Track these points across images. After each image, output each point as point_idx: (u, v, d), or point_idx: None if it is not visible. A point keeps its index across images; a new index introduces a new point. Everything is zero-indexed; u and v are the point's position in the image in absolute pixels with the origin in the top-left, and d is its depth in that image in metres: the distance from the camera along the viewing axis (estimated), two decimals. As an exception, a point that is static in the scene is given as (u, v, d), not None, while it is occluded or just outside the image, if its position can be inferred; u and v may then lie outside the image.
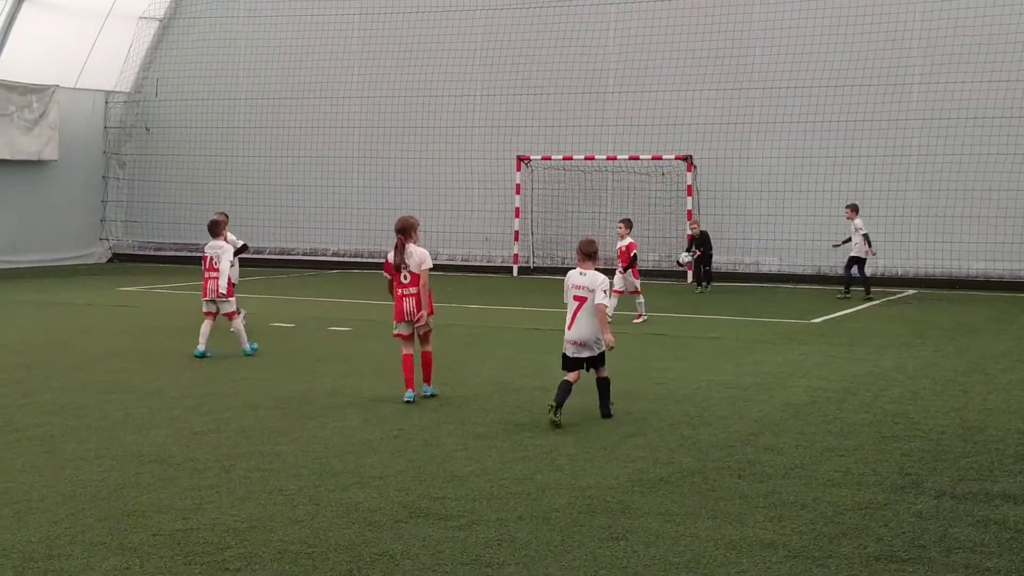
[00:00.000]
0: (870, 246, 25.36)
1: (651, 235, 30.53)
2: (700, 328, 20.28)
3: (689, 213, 29.94)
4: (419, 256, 12.92)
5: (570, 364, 11.87)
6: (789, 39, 29.73)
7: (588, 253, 12.01)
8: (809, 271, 29.70)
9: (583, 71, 31.56)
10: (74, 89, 34.28)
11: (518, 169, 31.71)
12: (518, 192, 31.68)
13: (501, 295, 26.22)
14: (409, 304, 12.91)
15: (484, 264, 32.59)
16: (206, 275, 16.68)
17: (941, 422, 11.90)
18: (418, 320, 12.89)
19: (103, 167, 36.13)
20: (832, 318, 21.85)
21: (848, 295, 25.26)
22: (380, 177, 33.60)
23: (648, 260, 31.00)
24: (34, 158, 33.22)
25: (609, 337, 11.79)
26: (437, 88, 32.93)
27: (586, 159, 31.12)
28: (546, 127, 31.78)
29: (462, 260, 32.64)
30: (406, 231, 12.95)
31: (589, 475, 9.64)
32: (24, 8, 31.50)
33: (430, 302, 12.99)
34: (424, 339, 13.10)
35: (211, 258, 16.68)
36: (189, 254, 34.99)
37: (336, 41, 34.02)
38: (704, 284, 27.55)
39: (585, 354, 11.84)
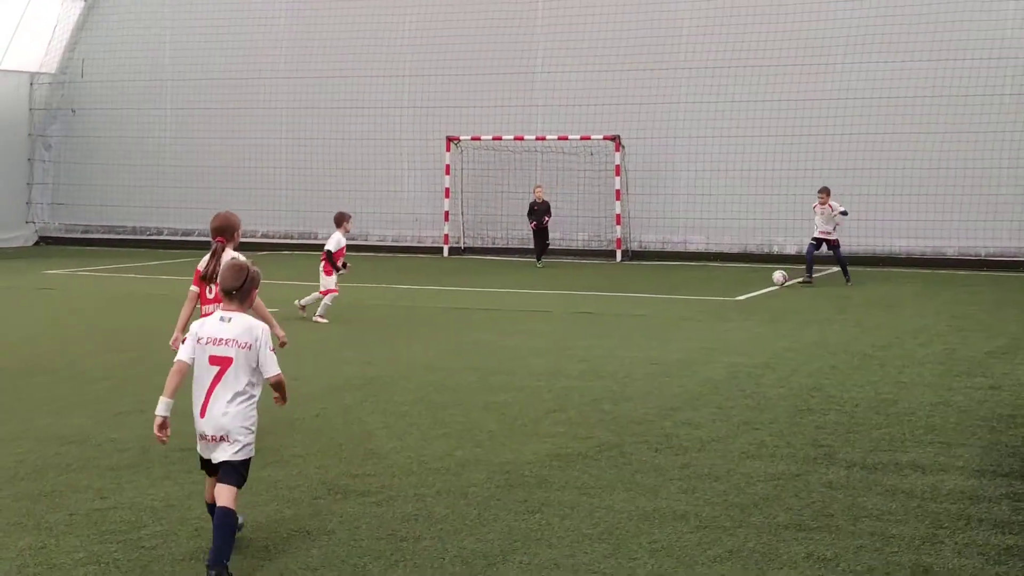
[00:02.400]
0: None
1: (580, 215, 30.73)
2: (626, 306, 20.43)
3: (618, 193, 30.15)
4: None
5: (206, 466, 7.24)
6: (713, 19, 29.96)
7: (231, 288, 7.06)
8: (736, 249, 29.97)
9: (512, 51, 31.59)
10: (-2, 71, 33.86)
11: (447, 149, 31.72)
12: (448, 172, 31.70)
13: (430, 275, 26.23)
14: None
15: (415, 245, 32.58)
16: None
17: (856, 395, 12.11)
18: (281, 340, 9.32)
19: (28, 149, 35.70)
20: (756, 295, 22.10)
21: (849, 280, 24.25)
22: (309, 158, 33.46)
23: (578, 239, 31.26)
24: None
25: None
26: (366, 68, 32.81)
27: (515, 139, 31.17)
28: (475, 108, 31.78)
29: (392, 240, 32.63)
30: (225, 232, 9.71)
31: (508, 451, 9.72)
32: (-55, -12, 31.06)
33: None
34: None
35: None
36: (117, 236, 34.74)
37: (263, 21, 33.81)
38: (537, 260, 28.70)
39: (223, 454, 6.96)
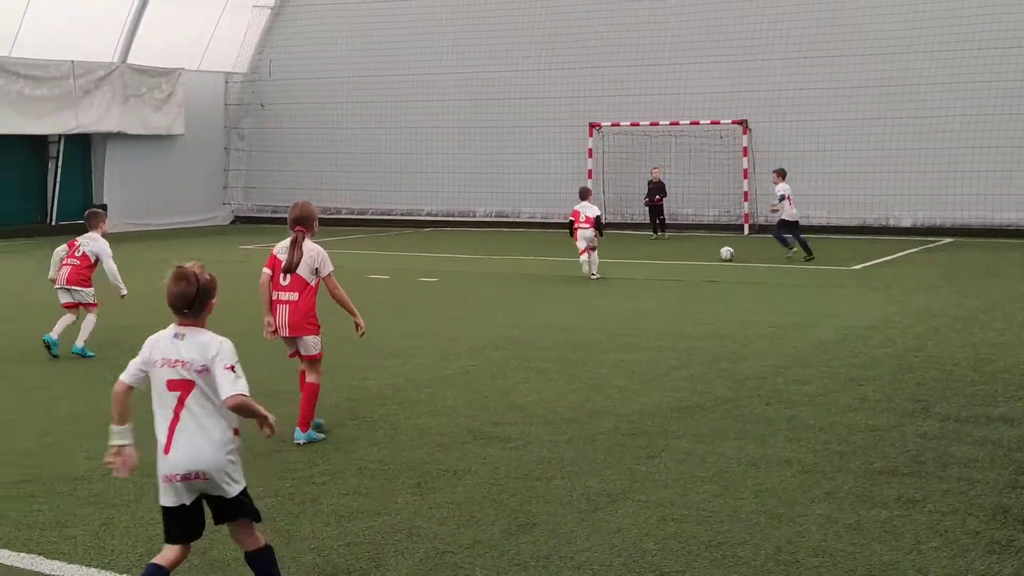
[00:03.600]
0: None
1: (710, 192, 30.57)
2: (748, 275, 20.32)
3: (745, 172, 29.90)
4: (316, 255, 8.72)
5: (177, 524, 5.37)
6: (829, 9, 29.44)
7: (181, 307, 5.38)
8: (854, 223, 29.45)
9: (649, 45, 31.44)
10: (198, 71, 34.90)
11: (590, 135, 31.78)
12: (590, 156, 31.76)
13: (572, 248, 26.31)
14: (282, 314, 8.75)
15: (559, 221, 32.70)
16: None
17: (956, 355, 11.94)
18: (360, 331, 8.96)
19: (225, 140, 36.81)
20: (870, 265, 21.75)
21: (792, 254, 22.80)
22: (469, 145, 33.80)
23: (708, 215, 31.10)
24: (164, 132, 33.97)
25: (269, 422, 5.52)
26: (520, 63, 33.00)
27: (651, 125, 31.08)
28: (615, 96, 31.73)
29: (541, 217, 32.83)
30: (305, 222, 8.81)
31: (634, 403, 9.87)
32: (152, 1, 32.09)
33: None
34: (309, 366, 8.85)
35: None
36: (301, 216, 35.57)
37: (429, 24, 34.23)
38: (660, 232, 28.92)
39: (214, 490, 5.33)
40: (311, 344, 8.78)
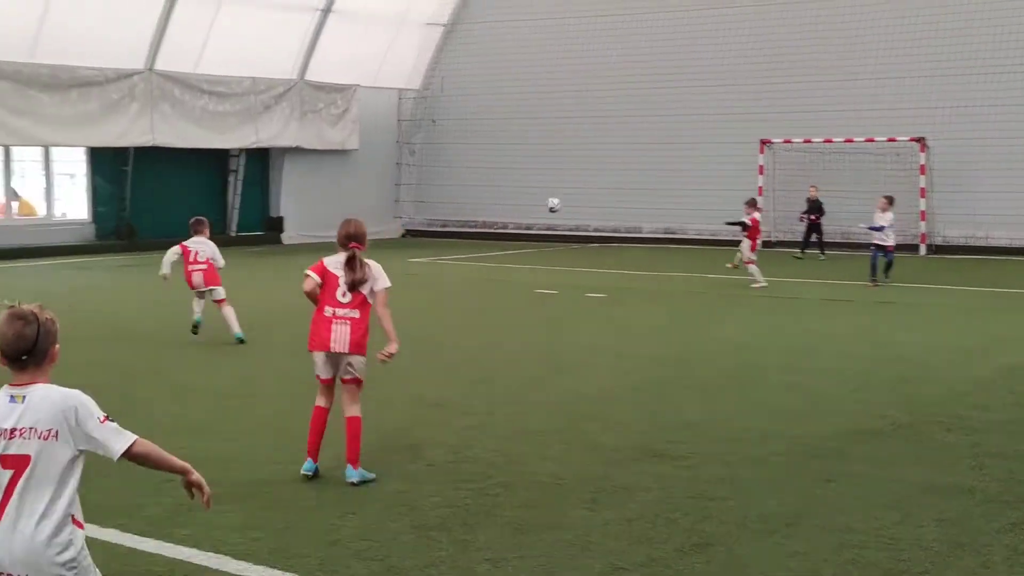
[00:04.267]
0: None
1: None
2: (927, 296, 19.78)
3: (922, 191, 29.12)
4: (377, 271, 8.41)
5: None
6: (1011, 23, 28.48)
7: (18, 354, 4.22)
8: (1039, 244, 28.42)
9: (823, 61, 30.94)
10: (372, 88, 35.72)
11: (761, 152, 31.40)
12: (761, 172, 31.37)
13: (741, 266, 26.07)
14: (342, 331, 8.17)
15: (729, 239, 32.38)
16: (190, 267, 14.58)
17: None
18: (387, 355, 8.24)
19: (397, 155, 37.57)
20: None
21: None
22: (636, 160, 33.72)
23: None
24: (339, 147, 34.87)
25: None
26: (690, 79, 32.84)
27: (825, 142, 30.54)
28: (787, 113, 31.28)
29: (709, 235, 32.54)
30: (361, 238, 8.43)
31: (808, 425, 9.72)
32: (329, 20, 33.02)
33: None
34: (352, 394, 8.25)
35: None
36: (469, 229, 36.03)
37: (597, 40, 34.34)
38: (817, 250, 28.45)
39: None
40: (361, 365, 8.24)
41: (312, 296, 8.28)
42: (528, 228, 35.06)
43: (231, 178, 33.38)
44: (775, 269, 22.99)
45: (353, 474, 8.01)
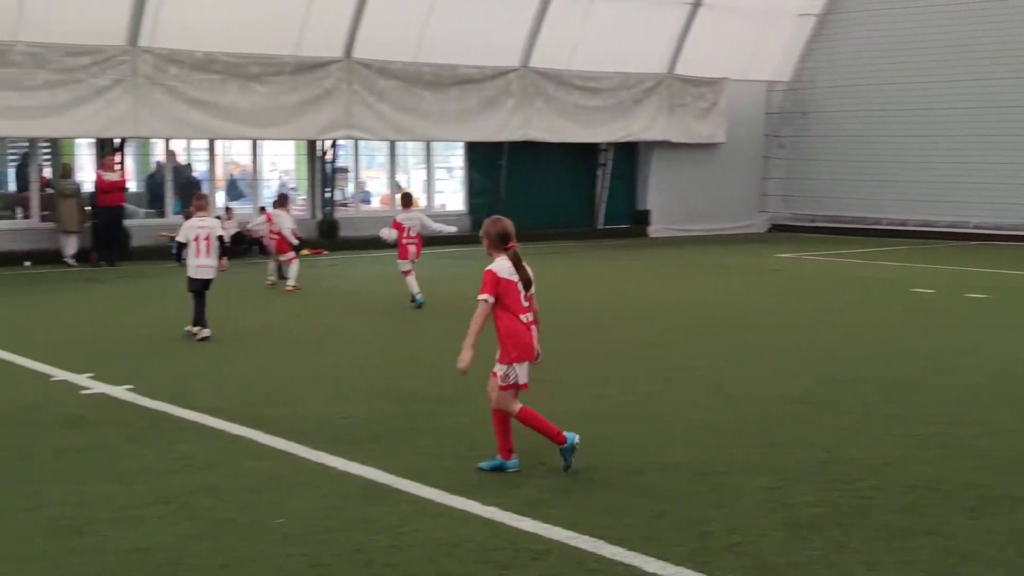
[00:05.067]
0: None
1: None
2: None
3: None
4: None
5: None
6: None
7: None
8: None
9: None
10: (740, 81, 35.43)
11: None
12: None
13: None
14: (534, 335, 8.07)
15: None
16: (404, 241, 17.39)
17: None
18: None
19: (763, 148, 37.09)
20: None
21: None
22: (1005, 155, 31.73)
23: None
24: (706, 141, 34.85)
25: None
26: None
27: None
28: None
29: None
30: (514, 237, 8.14)
31: None
32: (700, 12, 33.02)
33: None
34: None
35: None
36: (838, 225, 35.06)
37: (977, 26, 32.51)
38: None
39: None
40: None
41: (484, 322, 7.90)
42: (901, 224, 33.72)
43: (599, 172, 34.04)
44: None
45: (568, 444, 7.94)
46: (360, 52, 27.69)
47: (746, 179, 36.50)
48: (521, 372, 7.94)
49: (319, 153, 29.09)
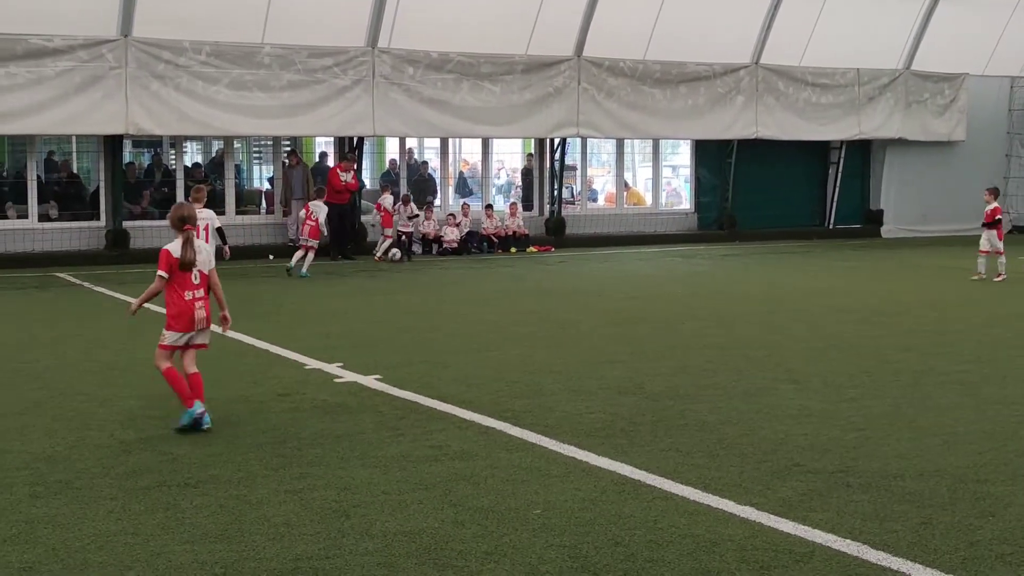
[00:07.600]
0: None
1: None
2: None
3: None
4: (207, 252, 9.53)
5: None
6: None
7: None
8: None
9: None
10: (981, 76, 34.04)
11: None
12: None
13: None
14: (201, 311, 9.24)
15: None
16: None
17: None
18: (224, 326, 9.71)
19: (1006, 146, 35.53)
20: None
21: None
22: None
23: None
24: (944, 139, 33.62)
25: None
26: None
27: None
28: None
29: None
30: (192, 220, 9.29)
31: None
32: (940, 6, 31.86)
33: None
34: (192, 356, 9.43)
35: None
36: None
37: None
38: None
39: None
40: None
41: None
42: None
43: (831, 170, 33.29)
44: None
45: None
46: (590, 51, 27.85)
47: (985, 179, 34.88)
48: (178, 338, 9.18)
49: (547, 151, 29.43)
